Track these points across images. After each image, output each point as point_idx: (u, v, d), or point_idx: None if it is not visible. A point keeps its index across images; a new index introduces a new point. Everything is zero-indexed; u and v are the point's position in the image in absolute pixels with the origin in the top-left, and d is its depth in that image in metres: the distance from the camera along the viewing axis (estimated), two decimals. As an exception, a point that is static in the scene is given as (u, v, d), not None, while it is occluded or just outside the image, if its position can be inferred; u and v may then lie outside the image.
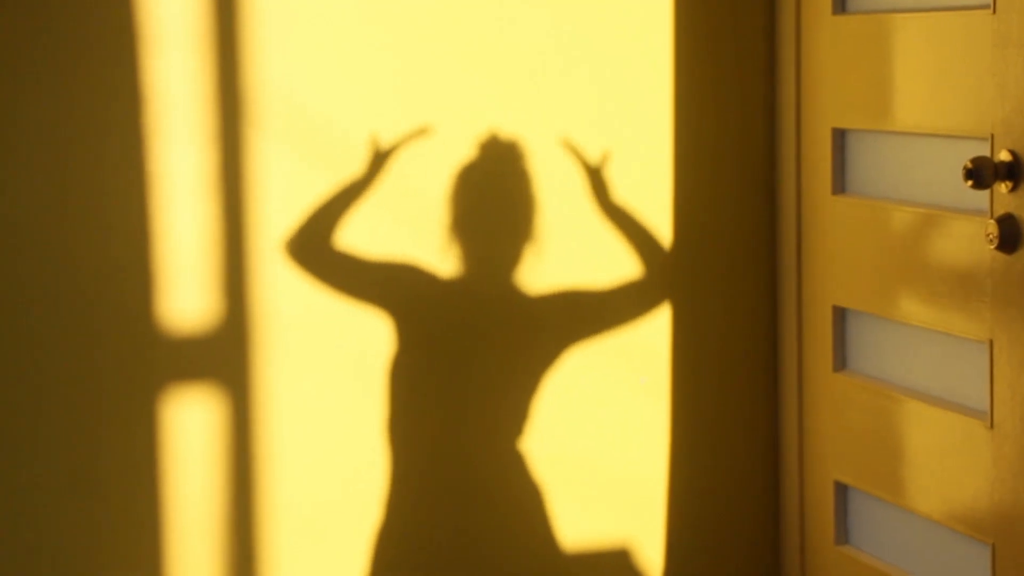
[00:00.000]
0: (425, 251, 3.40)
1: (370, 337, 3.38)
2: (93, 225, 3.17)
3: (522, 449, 3.49)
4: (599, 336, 3.53)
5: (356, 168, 3.32)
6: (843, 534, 3.54)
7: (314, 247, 3.31)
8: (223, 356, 3.27)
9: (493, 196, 3.45)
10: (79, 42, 3.14)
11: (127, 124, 3.17)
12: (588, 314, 3.52)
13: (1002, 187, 2.86)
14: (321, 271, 3.32)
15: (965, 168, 2.87)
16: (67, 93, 3.14)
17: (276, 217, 3.28)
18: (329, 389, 3.35)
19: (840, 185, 3.46)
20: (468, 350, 3.46)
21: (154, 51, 3.18)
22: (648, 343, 3.58)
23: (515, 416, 3.50)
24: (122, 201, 3.19)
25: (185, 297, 3.24)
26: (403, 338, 3.39)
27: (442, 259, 3.40)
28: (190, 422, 3.26)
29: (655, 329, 3.58)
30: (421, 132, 3.36)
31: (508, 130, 3.43)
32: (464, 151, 3.40)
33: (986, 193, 2.92)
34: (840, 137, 3.45)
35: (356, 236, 3.34)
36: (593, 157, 3.48)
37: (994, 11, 2.89)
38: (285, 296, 3.30)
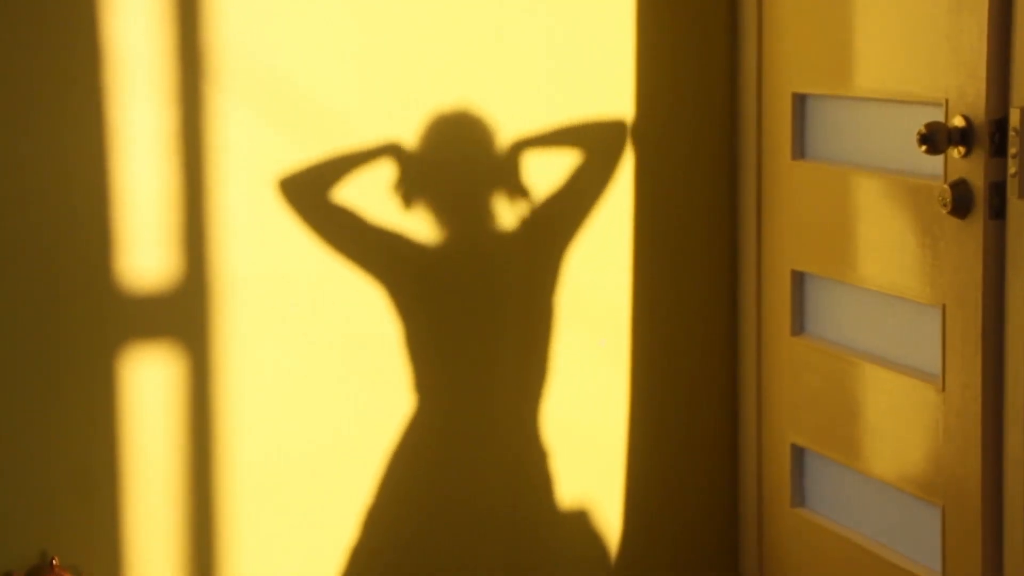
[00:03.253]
0: (391, 215, 3.42)
1: (329, 295, 3.39)
2: (52, 181, 3.17)
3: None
4: (556, 298, 3.55)
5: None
6: (799, 496, 3.57)
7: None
8: (183, 313, 3.28)
9: (455, 157, 3.47)
10: (39, -2, 3.15)
11: (87, 80, 3.17)
12: (547, 276, 3.54)
13: (955, 152, 2.88)
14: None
15: (919, 133, 2.89)
16: (26, 49, 3.13)
17: (236, 174, 3.28)
18: (288, 347, 3.36)
19: (800, 150, 3.48)
20: (434, 314, 3.48)
21: (113, 6, 3.18)
22: (608, 306, 3.60)
23: (483, 378, 3.52)
24: (82, 158, 3.19)
25: (145, 254, 3.24)
26: (362, 300, 3.41)
27: (404, 221, 3.42)
28: (149, 379, 3.27)
29: (615, 292, 3.60)
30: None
31: (466, 89, 3.44)
32: (425, 110, 3.41)
33: (941, 158, 2.94)
34: (800, 102, 3.47)
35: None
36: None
37: (950, -23, 2.91)
38: (245, 254, 3.31)
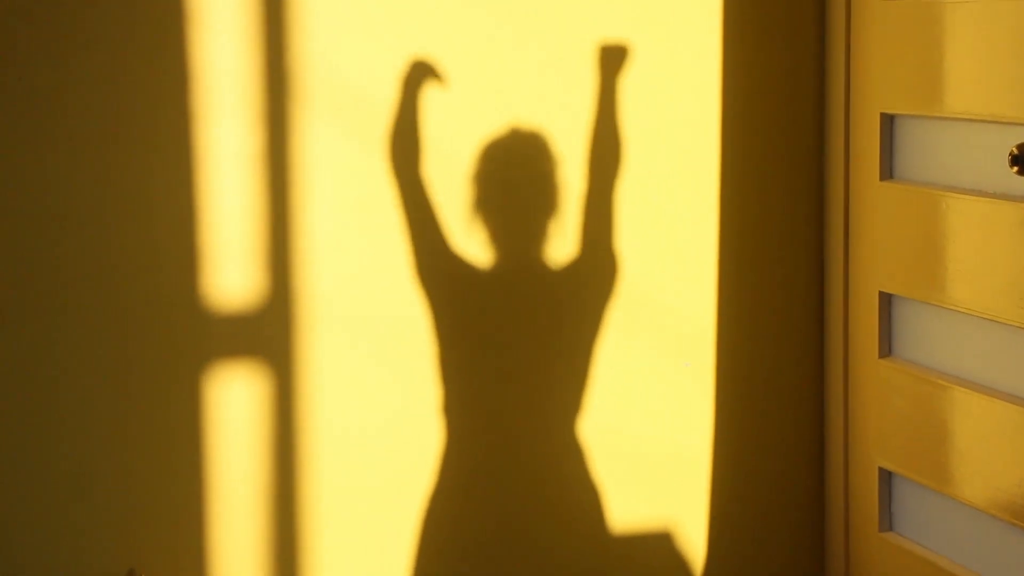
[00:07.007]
0: (456, 233, 3.42)
1: (412, 315, 3.39)
2: (139, 200, 3.21)
3: (571, 432, 3.51)
4: (641, 317, 3.54)
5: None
6: (887, 521, 3.53)
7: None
8: (267, 332, 3.30)
9: (520, 177, 3.46)
10: (127, 19, 3.17)
11: (174, 101, 3.20)
12: (632, 297, 3.53)
13: (1047, 173, 2.85)
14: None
15: (1011, 154, 2.86)
16: (115, 71, 3.17)
17: (321, 193, 3.30)
18: (372, 367, 3.37)
19: (888, 171, 3.45)
20: (510, 331, 3.47)
21: (202, 28, 3.21)
22: (694, 327, 3.58)
23: (562, 398, 3.51)
24: (168, 178, 3.22)
25: (230, 274, 3.26)
26: (444, 321, 3.41)
27: (468, 239, 3.42)
28: (234, 399, 3.29)
29: (701, 313, 3.58)
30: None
31: (543, 113, 3.44)
32: (499, 132, 3.41)
33: (1032, 179, 2.91)
34: (888, 122, 3.44)
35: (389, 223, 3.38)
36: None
37: (1043, -4, 2.87)
38: (330, 272, 3.32)
